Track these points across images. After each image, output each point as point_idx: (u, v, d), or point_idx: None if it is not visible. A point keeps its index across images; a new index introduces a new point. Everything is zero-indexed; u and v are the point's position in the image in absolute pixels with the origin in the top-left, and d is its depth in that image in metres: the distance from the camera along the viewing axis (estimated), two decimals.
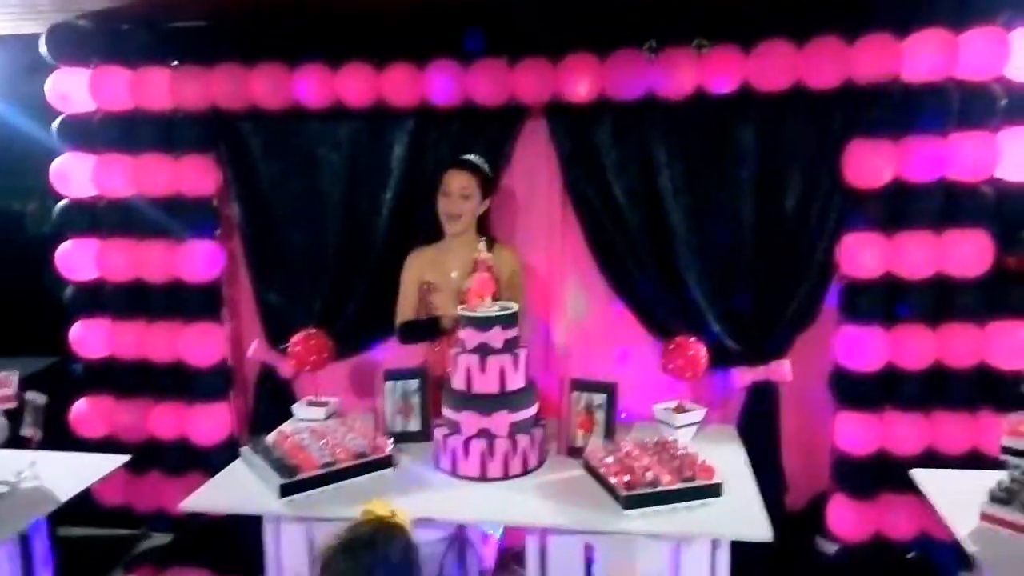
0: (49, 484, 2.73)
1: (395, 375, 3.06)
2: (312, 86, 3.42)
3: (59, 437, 3.43)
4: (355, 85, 3.39)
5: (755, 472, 2.71)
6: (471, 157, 3.19)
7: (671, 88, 3.23)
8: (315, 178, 3.66)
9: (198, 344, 3.72)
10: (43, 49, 3.56)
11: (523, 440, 2.67)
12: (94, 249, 3.74)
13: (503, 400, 2.65)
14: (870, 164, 3.16)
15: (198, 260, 3.69)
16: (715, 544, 2.38)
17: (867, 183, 3.18)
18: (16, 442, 2.88)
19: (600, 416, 2.85)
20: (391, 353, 3.64)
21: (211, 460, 3.56)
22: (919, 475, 2.70)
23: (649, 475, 2.43)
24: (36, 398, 2.87)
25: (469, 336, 2.67)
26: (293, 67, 3.44)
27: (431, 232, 3.26)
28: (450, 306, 3.05)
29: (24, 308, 4.40)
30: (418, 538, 1.94)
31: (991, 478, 2.37)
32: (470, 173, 3.12)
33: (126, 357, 3.80)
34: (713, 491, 2.45)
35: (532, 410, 2.74)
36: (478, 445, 2.63)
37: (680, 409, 3.07)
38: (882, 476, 3.30)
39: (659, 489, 2.39)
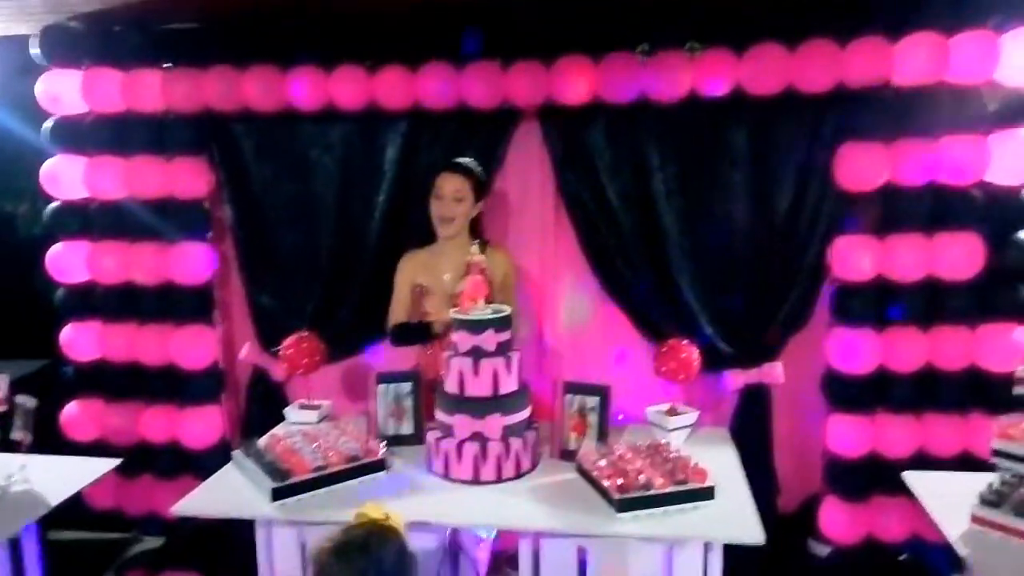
0: (39, 488, 2.72)
1: (387, 378, 3.05)
2: (305, 88, 3.42)
3: (50, 440, 3.42)
4: (348, 87, 3.39)
5: (747, 474, 2.72)
6: (464, 160, 3.19)
7: (664, 91, 3.24)
8: (308, 180, 3.66)
9: (190, 347, 3.71)
10: (34, 51, 3.55)
11: (516, 443, 2.66)
12: (85, 251, 3.72)
13: (496, 403, 2.64)
14: (862, 167, 3.17)
15: (190, 262, 3.68)
16: (708, 547, 2.38)
17: (859, 186, 3.20)
18: (6, 446, 2.87)
19: (593, 419, 2.85)
20: (384, 356, 3.63)
21: (203, 463, 3.55)
22: (911, 477, 2.71)
23: (642, 478, 2.43)
24: (26, 401, 2.85)
25: (462, 339, 2.67)
26: (286, 69, 3.43)
27: (424, 235, 3.26)
28: (443, 309, 3.05)
29: (15, 310, 4.37)
30: (412, 543, 1.94)
31: (982, 480, 2.38)
32: (463, 176, 3.12)
33: (117, 360, 3.78)
34: (706, 494, 2.45)
35: (525, 413, 2.74)
36: (471, 448, 2.63)
37: (673, 412, 3.07)
38: (874, 478, 3.31)
39: (652, 492, 2.39)
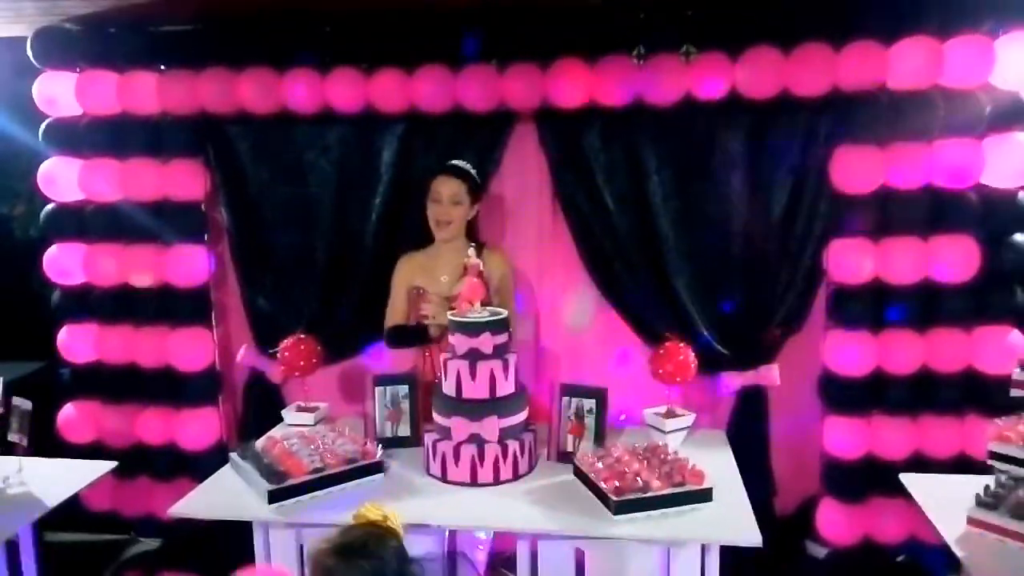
0: (36, 490, 2.72)
1: (385, 380, 3.06)
2: (301, 91, 3.41)
3: (47, 442, 3.42)
4: (344, 90, 3.39)
5: (745, 476, 2.72)
6: (459, 163, 3.19)
7: (659, 94, 3.24)
8: (304, 183, 3.65)
9: (186, 349, 3.70)
10: (29, 53, 3.54)
11: (513, 445, 2.67)
12: (81, 254, 3.72)
13: (493, 405, 2.65)
14: (857, 170, 3.18)
15: (186, 265, 3.67)
16: (705, 549, 2.39)
17: (854, 189, 3.20)
18: (2, 448, 2.86)
19: (590, 421, 2.85)
20: (380, 358, 3.64)
21: (200, 465, 3.55)
22: (908, 479, 2.72)
23: (639, 480, 2.43)
24: (22, 404, 2.85)
25: (459, 341, 2.67)
26: (281, 71, 3.43)
27: (420, 237, 3.26)
28: (440, 311, 3.05)
29: (12, 312, 4.36)
30: (410, 545, 1.93)
31: (979, 482, 2.39)
32: (460, 179, 3.12)
33: (114, 362, 3.78)
34: (703, 496, 2.45)
35: (522, 415, 2.74)
36: (468, 450, 2.63)
37: (670, 414, 3.08)
38: (871, 480, 3.32)
39: (649, 494, 2.40)
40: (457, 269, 2.99)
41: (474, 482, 2.64)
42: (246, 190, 3.70)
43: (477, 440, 2.63)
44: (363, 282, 3.60)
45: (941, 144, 3.11)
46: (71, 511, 2.83)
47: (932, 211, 3.18)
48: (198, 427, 3.74)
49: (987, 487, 2.35)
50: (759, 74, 3.17)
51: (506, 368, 2.66)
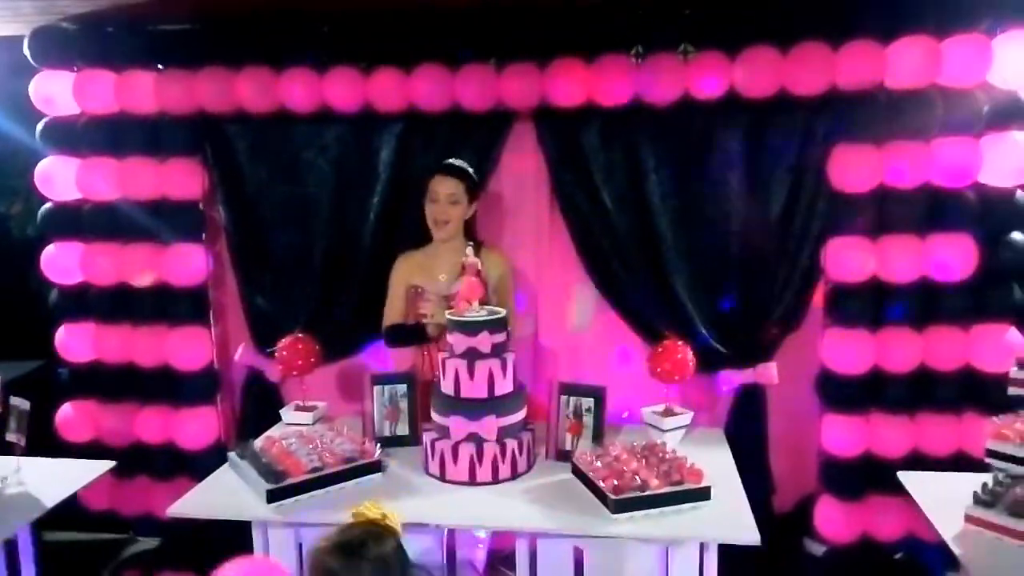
0: (35, 490, 2.72)
1: (383, 379, 3.06)
2: (299, 90, 3.41)
3: (45, 441, 3.42)
4: (342, 89, 3.39)
5: (743, 474, 2.73)
6: (457, 162, 3.19)
7: (658, 94, 3.24)
8: (302, 182, 3.65)
9: (184, 348, 3.70)
10: (27, 52, 3.54)
11: (512, 444, 2.67)
12: (78, 253, 3.71)
13: (491, 404, 2.65)
14: (855, 169, 3.18)
15: (184, 264, 3.67)
16: (704, 547, 2.40)
17: (852, 188, 3.20)
18: (1, 448, 2.86)
19: (589, 420, 2.86)
20: (379, 357, 3.64)
21: (198, 464, 3.54)
22: (906, 477, 2.73)
23: (638, 479, 2.44)
24: (21, 403, 2.85)
25: (457, 340, 2.68)
26: (279, 70, 3.43)
27: (418, 236, 3.26)
28: (438, 311, 3.06)
29: (9, 311, 4.36)
30: (409, 544, 1.94)
31: (976, 480, 2.40)
32: (457, 179, 3.12)
33: (112, 361, 3.77)
34: (701, 494, 2.46)
35: (520, 414, 2.75)
36: (467, 449, 2.64)
37: (668, 412, 3.08)
38: (869, 478, 3.32)
39: (647, 493, 2.40)
40: (455, 268, 2.99)
41: (473, 481, 2.65)
42: (244, 189, 3.70)
43: (475, 439, 2.64)
44: (361, 281, 3.59)
45: (939, 143, 3.11)
46: (69, 510, 2.83)
47: (930, 210, 3.18)
48: (196, 426, 3.74)
49: (985, 485, 2.36)
50: (757, 73, 3.16)
51: (504, 367, 2.67)
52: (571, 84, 3.25)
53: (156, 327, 3.72)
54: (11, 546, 2.77)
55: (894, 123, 3.14)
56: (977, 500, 2.31)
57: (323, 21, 3.44)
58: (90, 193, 3.67)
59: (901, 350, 3.24)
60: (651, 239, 3.44)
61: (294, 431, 2.96)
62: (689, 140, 3.36)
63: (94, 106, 3.59)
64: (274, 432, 3.11)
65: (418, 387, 3.04)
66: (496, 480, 2.66)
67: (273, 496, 2.49)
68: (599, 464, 2.59)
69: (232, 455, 2.81)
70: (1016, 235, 3.17)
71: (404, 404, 3.03)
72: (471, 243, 2.98)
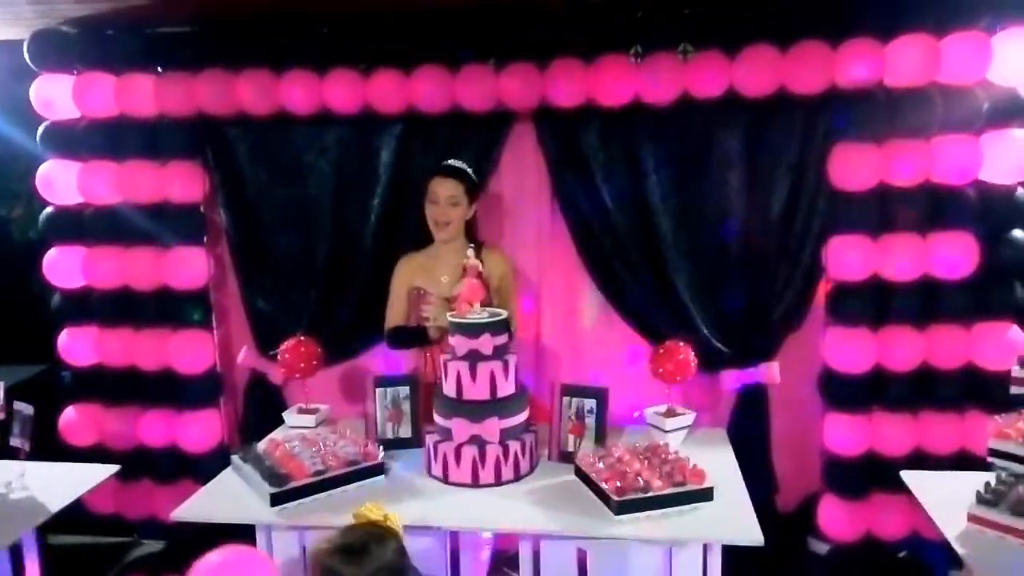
0: (39, 495, 2.72)
1: (385, 382, 3.06)
2: (298, 92, 3.41)
3: (48, 445, 3.43)
4: (342, 91, 3.38)
5: (746, 474, 2.73)
6: (456, 163, 3.19)
7: (657, 93, 3.24)
8: (302, 184, 3.65)
9: (187, 351, 3.70)
10: (26, 56, 3.54)
11: (514, 446, 2.67)
12: (80, 257, 3.71)
13: (494, 406, 2.65)
14: (855, 167, 3.18)
15: (186, 266, 3.67)
16: (707, 547, 2.40)
17: (852, 186, 3.20)
18: (4, 452, 2.87)
19: (591, 421, 2.86)
20: (381, 359, 3.64)
21: (202, 467, 3.57)
22: (908, 477, 2.72)
23: (640, 480, 2.44)
24: (24, 408, 2.85)
25: (459, 343, 2.68)
26: (279, 73, 3.42)
27: (419, 237, 3.26)
28: (440, 313, 3.06)
29: (12, 314, 4.36)
30: (412, 546, 1.94)
31: (979, 479, 2.39)
32: (457, 180, 3.11)
33: (114, 365, 3.78)
34: (704, 495, 2.46)
35: (523, 416, 2.75)
36: (470, 451, 2.64)
37: (670, 413, 3.08)
38: (872, 476, 3.32)
39: (650, 494, 2.40)
40: (457, 269, 2.99)
41: (476, 483, 2.65)
42: (245, 191, 3.70)
43: (478, 441, 2.64)
44: (362, 283, 3.60)
45: (939, 141, 3.11)
46: (74, 514, 2.83)
47: (931, 208, 3.18)
48: (199, 429, 3.75)
49: (987, 484, 2.35)
50: (757, 72, 3.16)
51: (506, 369, 2.67)
52: (571, 84, 3.25)
53: (158, 330, 3.72)
54: (16, 549, 2.77)
55: (894, 121, 3.13)
56: (980, 499, 2.31)
57: (322, 23, 3.44)
58: (91, 197, 3.67)
59: (903, 348, 3.23)
60: (652, 239, 3.44)
61: (297, 434, 2.96)
62: (689, 140, 3.36)
63: (94, 109, 3.59)
64: (277, 435, 3.11)
65: (420, 389, 3.04)
66: (499, 482, 2.66)
67: (277, 499, 2.50)
68: (602, 465, 2.59)
69: (235, 458, 2.81)
70: (1017, 232, 3.17)
71: (406, 406, 3.03)
72: (472, 244, 2.98)
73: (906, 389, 3.28)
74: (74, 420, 3.80)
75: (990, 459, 2.38)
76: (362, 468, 2.67)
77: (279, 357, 3.33)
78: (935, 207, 3.18)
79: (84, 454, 3.61)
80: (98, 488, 2.90)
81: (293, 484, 2.53)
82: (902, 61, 3.05)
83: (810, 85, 3.13)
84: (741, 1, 3.18)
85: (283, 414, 3.35)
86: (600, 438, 2.85)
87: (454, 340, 2.69)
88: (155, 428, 3.75)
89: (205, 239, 3.74)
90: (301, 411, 3.31)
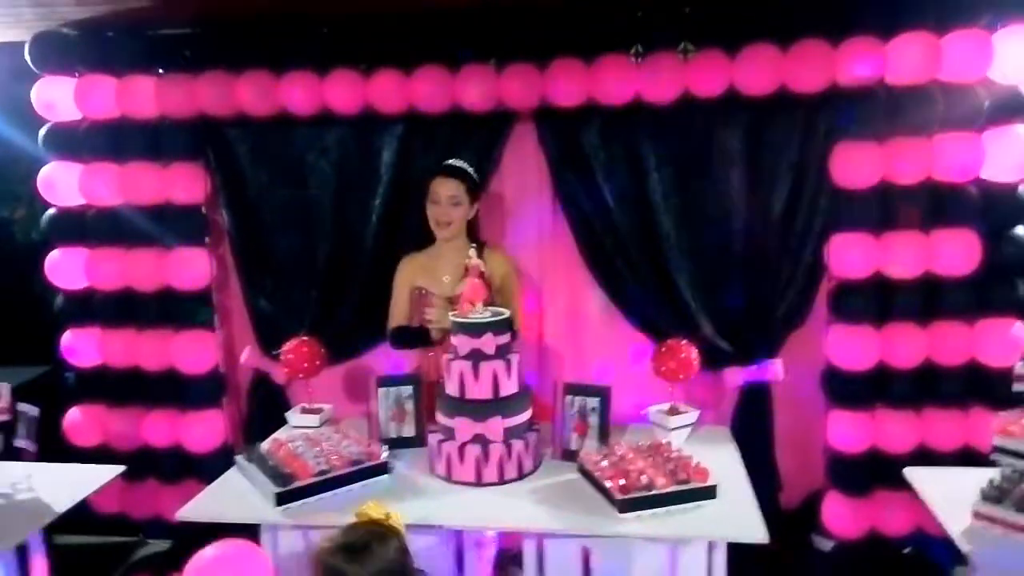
0: (45, 496, 2.73)
1: (388, 381, 3.07)
2: (299, 93, 3.41)
3: (53, 445, 3.44)
4: (342, 91, 3.38)
5: (750, 471, 2.74)
6: (457, 163, 3.19)
7: (658, 92, 3.24)
8: (304, 184, 3.65)
9: (190, 351, 3.71)
10: (27, 58, 3.54)
11: (518, 445, 2.68)
12: (83, 258, 3.72)
13: (497, 405, 2.66)
14: (856, 165, 3.18)
15: (188, 267, 3.67)
16: (712, 545, 2.40)
17: (854, 184, 3.20)
18: (10, 453, 2.88)
19: (594, 420, 2.86)
20: (384, 358, 3.64)
21: (206, 467, 3.57)
22: (912, 474, 2.72)
23: (644, 478, 2.44)
24: (30, 410, 2.87)
25: (461, 342, 2.68)
26: (280, 74, 3.42)
27: (421, 237, 3.27)
28: (443, 316, 3.06)
29: (15, 316, 4.38)
30: (417, 545, 1.95)
31: (984, 476, 2.39)
32: (458, 180, 3.12)
33: (118, 365, 3.79)
34: (708, 493, 2.47)
35: (526, 415, 2.75)
36: (473, 450, 2.64)
37: (673, 411, 3.08)
38: (876, 473, 3.32)
39: (654, 492, 2.41)
40: (459, 269, 2.99)
41: (479, 482, 2.66)
42: (246, 192, 3.70)
43: (481, 440, 2.65)
44: (364, 283, 3.60)
45: (941, 138, 3.11)
46: (80, 514, 2.83)
47: (933, 205, 3.18)
48: (203, 429, 3.75)
49: (991, 481, 2.35)
50: (757, 71, 3.16)
51: (509, 368, 2.67)
52: (571, 84, 3.25)
53: (161, 331, 3.73)
54: (22, 550, 2.78)
55: (895, 119, 3.13)
56: (984, 496, 2.31)
57: (323, 24, 3.44)
58: (93, 198, 3.68)
59: (906, 346, 3.24)
60: (653, 238, 3.44)
61: (300, 434, 2.97)
62: (690, 138, 3.36)
63: (95, 111, 3.59)
64: (281, 435, 3.12)
65: (423, 388, 3.04)
66: (502, 481, 2.67)
67: (281, 499, 2.50)
68: (605, 464, 2.60)
69: (239, 458, 2.82)
70: (1019, 229, 3.18)
71: (410, 405, 3.03)
72: (474, 244, 2.98)
73: (909, 386, 3.28)
74: (78, 421, 3.81)
75: (994, 456, 2.38)
76: (366, 467, 2.68)
77: (282, 357, 3.34)
78: (937, 205, 3.18)
79: (89, 455, 3.62)
80: (103, 488, 2.91)
81: (297, 484, 2.54)
82: (903, 59, 3.05)
83: (811, 84, 3.13)
84: (741, 0, 3.18)
85: (286, 414, 3.35)
86: (603, 436, 2.85)
87: (456, 340, 2.70)
88: (159, 428, 3.76)
89: (207, 240, 3.75)
90: (304, 411, 3.31)
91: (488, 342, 2.65)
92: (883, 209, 3.21)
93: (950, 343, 3.22)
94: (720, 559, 2.41)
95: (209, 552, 2.02)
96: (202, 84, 3.47)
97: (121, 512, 3.86)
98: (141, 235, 3.66)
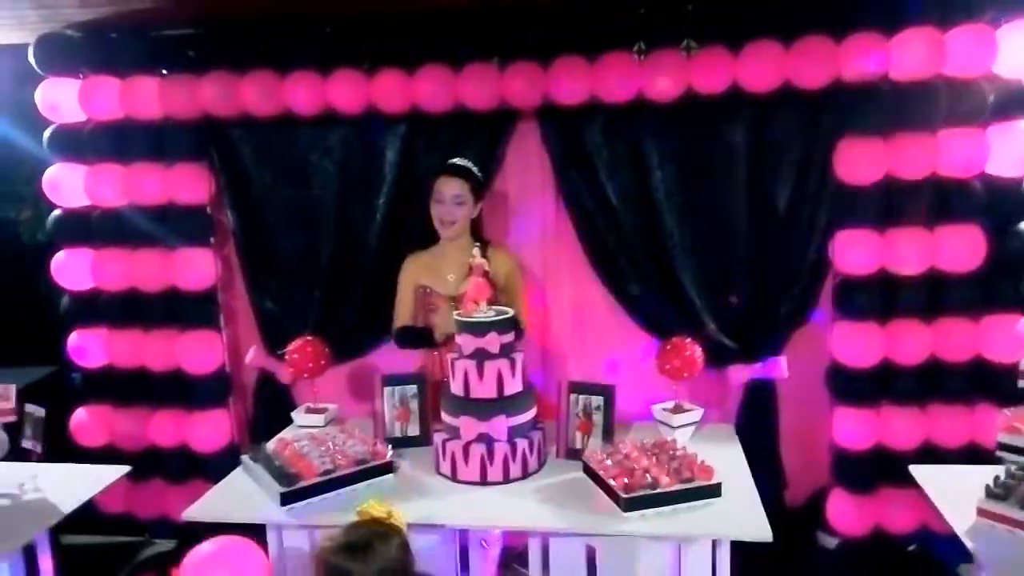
0: (52, 496, 2.74)
1: (393, 380, 3.07)
2: (303, 93, 3.41)
3: (59, 445, 3.45)
4: (346, 91, 3.39)
5: (754, 469, 2.74)
6: (461, 162, 3.19)
7: (661, 90, 3.23)
8: (308, 184, 3.67)
9: (195, 352, 3.72)
10: (31, 60, 3.55)
11: (522, 444, 2.68)
12: (88, 259, 3.73)
13: (501, 404, 2.66)
14: (861, 161, 3.17)
15: (193, 268, 3.69)
16: (716, 543, 2.40)
17: (858, 180, 3.19)
18: (16, 454, 2.88)
19: (598, 418, 2.87)
20: (389, 357, 3.65)
21: (212, 467, 3.59)
22: (917, 471, 2.72)
23: (648, 477, 2.44)
24: (36, 411, 2.87)
25: (465, 341, 2.68)
26: (283, 74, 3.43)
27: (425, 236, 3.27)
28: (447, 310, 3.06)
29: (22, 317, 4.39)
30: (421, 544, 1.95)
31: (988, 473, 2.39)
32: (462, 179, 3.12)
33: (124, 366, 3.80)
34: (712, 491, 2.46)
35: (530, 414, 2.75)
36: (478, 449, 2.65)
37: (678, 409, 3.08)
38: (881, 470, 3.32)
39: (658, 491, 2.41)
40: (463, 268, 2.99)
41: (484, 481, 2.66)
42: (250, 193, 3.71)
43: (486, 439, 2.65)
44: (369, 282, 3.61)
45: (945, 134, 3.10)
46: (86, 514, 2.84)
47: (937, 201, 3.17)
48: (209, 429, 3.77)
49: (997, 478, 2.35)
50: (760, 68, 3.15)
51: (513, 367, 2.67)
52: (574, 82, 3.24)
53: (167, 331, 3.74)
54: (29, 550, 2.79)
55: (899, 115, 3.12)
56: (989, 493, 2.30)
57: (325, 24, 3.44)
58: (98, 199, 3.69)
59: (911, 342, 3.23)
60: (657, 235, 3.44)
61: (306, 433, 2.97)
62: (693, 135, 3.36)
63: (100, 112, 3.61)
64: (286, 434, 3.13)
65: (428, 388, 3.05)
66: (507, 480, 2.67)
67: (287, 499, 2.51)
68: (609, 462, 2.60)
69: (245, 458, 2.82)
70: None
71: (415, 405, 3.04)
72: (478, 243, 2.98)
73: (914, 383, 3.28)
74: (85, 421, 3.82)
75: (999, 453, 2.37)
76: (371, 467, 2.68)
77: (287, 357, 3.34)
78: (942, 200, 3.17)
79: (95, 455, 3.64)
80: (110, 488, 2.92)
81: (303, 483, 2.54)
82: (907, 55, 3.04)
83: (814, 80, 3.12)
84: None
85: (292, 413, 3.36)
86: (608, 435, 2.85)
87: (461, 339, 2.70)
88: (165, 428, 3.77)
89: (212, 240, 3.75)
90: (310, 410, 3.32)
91: (492, 341, 2.65)
92: (887, 205, 3.20)
93: (955, 339, 3.21)
94: (725, 557, 2.41)
95: (205, 548, 2.03)
96: (206, 85, 3.48)
97: (127, 512, 3.88)
98: (146, 236, 3.67)
